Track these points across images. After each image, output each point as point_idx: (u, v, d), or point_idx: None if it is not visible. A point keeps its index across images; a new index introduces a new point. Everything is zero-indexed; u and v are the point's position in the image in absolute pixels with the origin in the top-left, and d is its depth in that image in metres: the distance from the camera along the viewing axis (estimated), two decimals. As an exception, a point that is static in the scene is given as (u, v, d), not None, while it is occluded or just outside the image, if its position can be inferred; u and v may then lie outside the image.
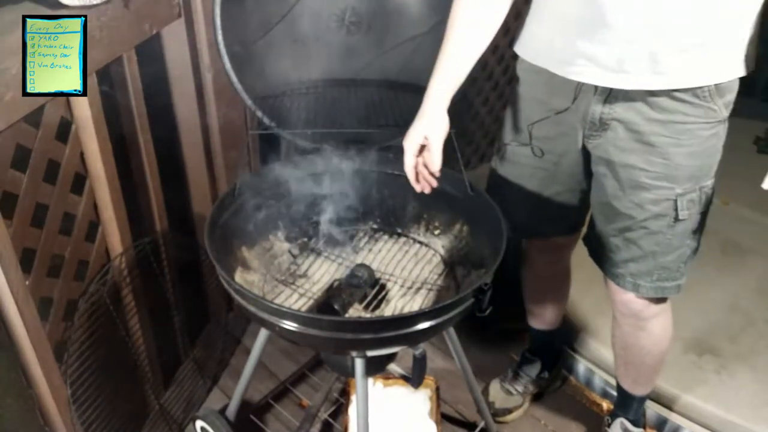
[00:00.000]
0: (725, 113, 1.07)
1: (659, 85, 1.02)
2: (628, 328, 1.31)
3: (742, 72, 1.03)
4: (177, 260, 1.56)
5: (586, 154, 1.19)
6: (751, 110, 1.09)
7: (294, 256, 1.36)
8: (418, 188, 1.19)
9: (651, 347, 1.33)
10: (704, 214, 1.16)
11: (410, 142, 1.14)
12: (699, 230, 1.17)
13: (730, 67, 1.02)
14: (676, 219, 1.12)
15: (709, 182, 1.13)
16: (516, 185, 1.30)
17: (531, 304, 1.60)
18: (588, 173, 1.22)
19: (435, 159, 1.13)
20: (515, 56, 1.22)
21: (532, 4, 1.13)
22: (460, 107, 1.46)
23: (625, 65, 1.01)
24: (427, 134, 1.12)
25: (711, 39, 0.98)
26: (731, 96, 1.06)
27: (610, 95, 1.07)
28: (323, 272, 1.31)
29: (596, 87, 1.08)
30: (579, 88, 1.10)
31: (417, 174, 1.17)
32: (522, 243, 2.01)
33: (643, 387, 1.44)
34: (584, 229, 1.34)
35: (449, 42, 1.12)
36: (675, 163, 1.08)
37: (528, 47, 1.16)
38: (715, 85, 1.02)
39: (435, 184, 1.18)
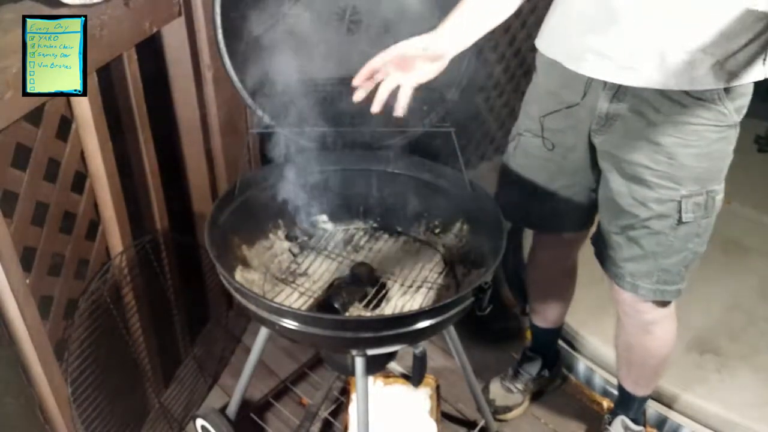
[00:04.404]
0: (736, 118, 1.05)
1: (667, 84, 1.01)
2: (632, 329, 1.31)
3: (756, 76, 1.00)
4: (177, 259, 1.56)
5: (593, 149, 1.19)
6: (751, 110, 1.08)
7: (294, 255, 1.36)
8: (359, 95, 1.06)
9: (654, 350, 1.32)
10: (711, 220, 1.14)
11: (401, 45, 1.04)
12: (704, 236, 1.15)
13: (742, 70, 1.00)
14: (680, 221, 1.11)
15: (717, 187, 1.11)
16: (526, 176, 1.30)
17: (535, 302, 1.59)
18: (597, 169, 1.22)
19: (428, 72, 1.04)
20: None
21: (553, 1, 1.13)
22: (460, 106, 1.46)
23: (634, 63, 1.01)
24: (431, 46, 1.03)
25: (722, 41, 0.96)
26: (744, 100, 1.04)
27: (619, 91, 1.07)
28: (323, 271, 1.31)
29: (605, 83, 1.08)
30: (589, 83, 1.10)
31: (370, 78, 1.06)
32: (522, 236, 2.01)
33: (645, 388, 1.44)
34: (593, 228, 1.34)
35: None
36: (680, 164, 1.07)
37: (545, 40, 1.16)
38: (725, 88, 1.01)
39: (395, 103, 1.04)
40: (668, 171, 1.08)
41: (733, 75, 0.99)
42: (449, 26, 1.07)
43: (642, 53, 1.00)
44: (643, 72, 1.01)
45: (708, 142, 1.05)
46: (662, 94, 1.03)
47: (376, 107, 1.04)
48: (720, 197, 1.12)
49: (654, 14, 0.97)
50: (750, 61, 0.99)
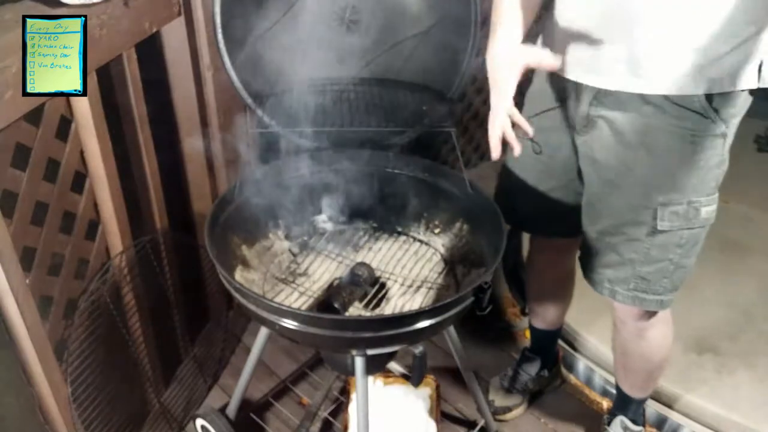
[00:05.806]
0: (724, 128, 1.01)
1: (641, 88, 0.99)
2: (626, 334, 1.31)
3: (743, 84, 0.97)
4: (177, 259, 1.56)
5: (578, 152, 1.19)
6: (751, 109, 1.06)
7: (294, 255, 1.36)
8: (499, 152, 1.06)
9: (650, 355, 1.32)
10: (696, 232, 1.09)
11: (504, 97, 1.06)
12: (687, 247, 1.10)
13: (727, 78, 0.97)
14: (655, 229, 1.08)
15: (703, 198, 1.06)
16: (519, 177, 1.31)
17: (533, 304, 1.60)
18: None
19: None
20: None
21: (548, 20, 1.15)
22: (460, 107, 1.46)
23: (606, 66, 1.01)
24: (528, 59, 1.03)
25: (700, 45, 0.94)
26: (733, 110, 1.00)
27: (599, 93, 1.06)
28: (323, 271, 1.32)
29: (585, 85, 1.07)
30: (571, 86, 1.11)
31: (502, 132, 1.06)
32: (522, 236, 2.01)
33: (642, 391, 1.44)
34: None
35: None
36: (658, 170, 1.05)
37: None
38: (707, 95, 0.98)
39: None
40: (644, 176, 1.06)
41: (715, 82, 0.97)
42: (506, 33, 1.06)
43: (613, 57, 1.00)
44: (615, 76, 1.01)
45: (690, 151, 1.02)
46: (642, 98, 1.01)
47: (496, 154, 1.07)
48: (708, 209, 1.07)
49: (624, 25, 0.97)
50: (735, 69, 0.97)
